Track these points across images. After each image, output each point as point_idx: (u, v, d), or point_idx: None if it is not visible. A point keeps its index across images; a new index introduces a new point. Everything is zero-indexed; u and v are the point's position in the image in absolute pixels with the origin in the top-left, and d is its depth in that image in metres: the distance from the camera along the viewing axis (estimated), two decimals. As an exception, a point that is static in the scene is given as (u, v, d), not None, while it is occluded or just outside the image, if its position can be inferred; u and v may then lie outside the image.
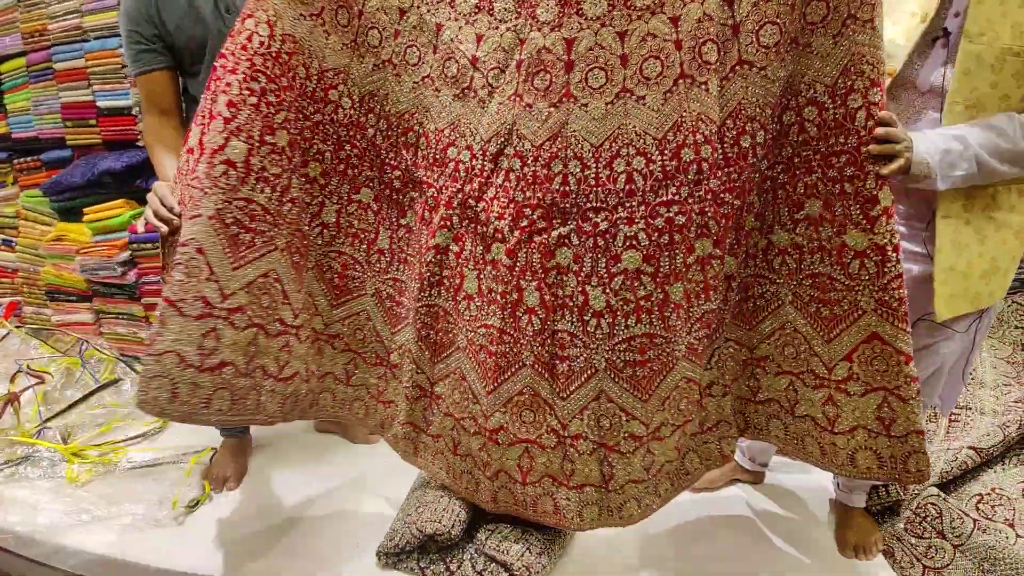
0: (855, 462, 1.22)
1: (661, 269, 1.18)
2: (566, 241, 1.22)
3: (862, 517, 1.58)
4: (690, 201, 1.15)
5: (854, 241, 1.14)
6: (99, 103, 2.51)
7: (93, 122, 2.56)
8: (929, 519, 1.48)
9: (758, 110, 1.11)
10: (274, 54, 1.23)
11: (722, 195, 1.14)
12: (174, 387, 1.13)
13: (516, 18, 1.21)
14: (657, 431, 1.29)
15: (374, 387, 1.50)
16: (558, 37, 1.16)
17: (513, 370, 1.28)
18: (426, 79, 1.30)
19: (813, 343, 1.23)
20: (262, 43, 1.22)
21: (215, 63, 1.25)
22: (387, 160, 1.37)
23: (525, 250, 1.24)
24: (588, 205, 1.20)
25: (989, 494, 1.51)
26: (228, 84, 1.20)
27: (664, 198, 1.15)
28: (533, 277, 1.24)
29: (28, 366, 2.30)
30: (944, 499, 1.48)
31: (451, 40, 1.26)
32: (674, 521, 1.66)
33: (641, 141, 1.15)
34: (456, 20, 1.25)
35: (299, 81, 1.29)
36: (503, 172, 1.25)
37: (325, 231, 1.41)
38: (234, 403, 1.23)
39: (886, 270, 1.12)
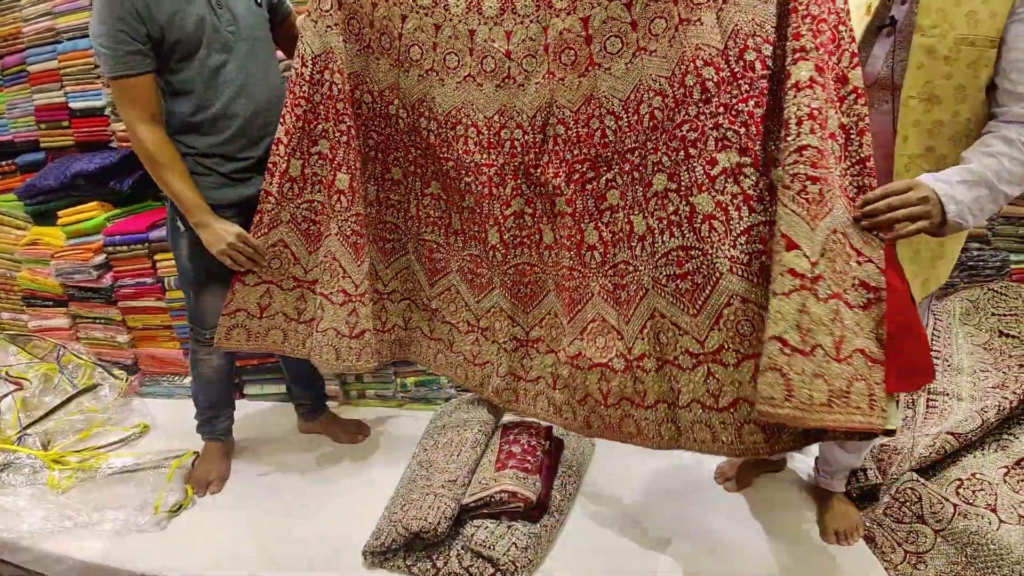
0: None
1: (683, 183, 1.27)
2: (612, 183, 1.41)
3: (842, 502, 1.59)
4: (701, 118, 1.24)
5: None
6: (72, 104, 2.48)
7: (66, 124, 2.53)
8: (909, 504, 1.49)
9: (756, 27, 1.19)
10: (347, 95, 1.60)
11: (736, 106, 1.21)
12: (337, 352, 1.67)
13: (536, 11, 1.41)
14: (717, 354, 1.27)
15: (468, 352, 1.74)
16: (575, 18, 1.37)
17: (584, 301, 1.48)
18: (467, 78, 1.52)
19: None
20: (340, 89, 1.60)
21: (305, 111, 1.60)
22: (440, 154, 1.61)
23: (581, 198, 1.45)
24: (624, 148, 1.37)
25: (969, 479, 1.52)
26: (325, 131, 1.62)
27: (677, 120, 1.27)
28: (590, 219, 1.45)
29: (7, 372, 2.27)
30: (924, 484, 1.49)
31: (484, 41, 1.47)
32: (660, 513, 1.67)
33: (657, 84, 1.30)
34: (485, 23, 1.47)
35: (366, 107, 1.66)
36: (551, 139, 1.46)
37: (412, 223, 1.76)
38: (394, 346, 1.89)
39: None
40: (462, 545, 1.49)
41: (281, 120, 1.60)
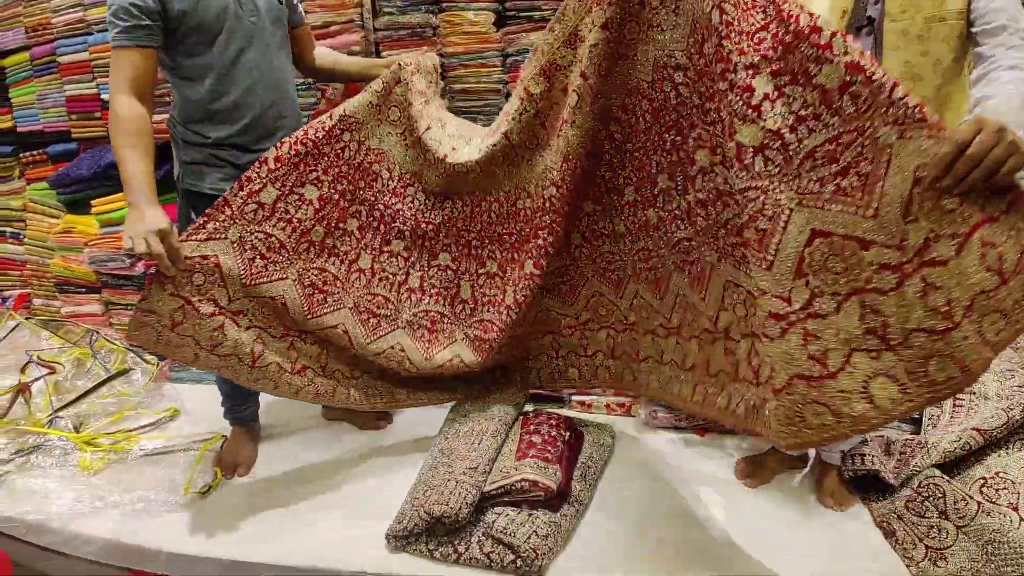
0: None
1: (724, 125, 1.18)
2: (660, 169, 1.45)
3: (831, 479, 1.66)
4: (722, 84, 1.16)
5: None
6: (104, 96, 2.52)
7: (98, 115, 2.58)
8: (932, 499, 1.48)
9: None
10: (354, 165, 1.69)
11: (706, 105, 1.24)
12: (276, 384, 1.72)
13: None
14: (728, 332, 1.30)
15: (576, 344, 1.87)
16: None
17: (668, 278, 1.54)
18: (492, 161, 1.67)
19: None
20: (351, 155, 1.68)
21: (308, 152, 1.61)
22: (462, 226, 1.80)
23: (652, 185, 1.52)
24: (661, 128, 1.41)
25: (993, 477, 1.50)
26: (319, 180, 1.64)
27: (700, 97, 1.27)
28: (648, 205, 1.52)
29: (38, 356, 2.33)
30: (948, 480, 1.49)
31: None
32: (679, 506, 1.68)
33: (673, 59, 1.32)
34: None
35: (381, 181, 1.75)
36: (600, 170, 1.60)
37: (465, 306, 1.85)
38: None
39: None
40: (483, 531, 1.51)
41: (277, 146, 1.59)
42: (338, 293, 1.70)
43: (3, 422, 2.06)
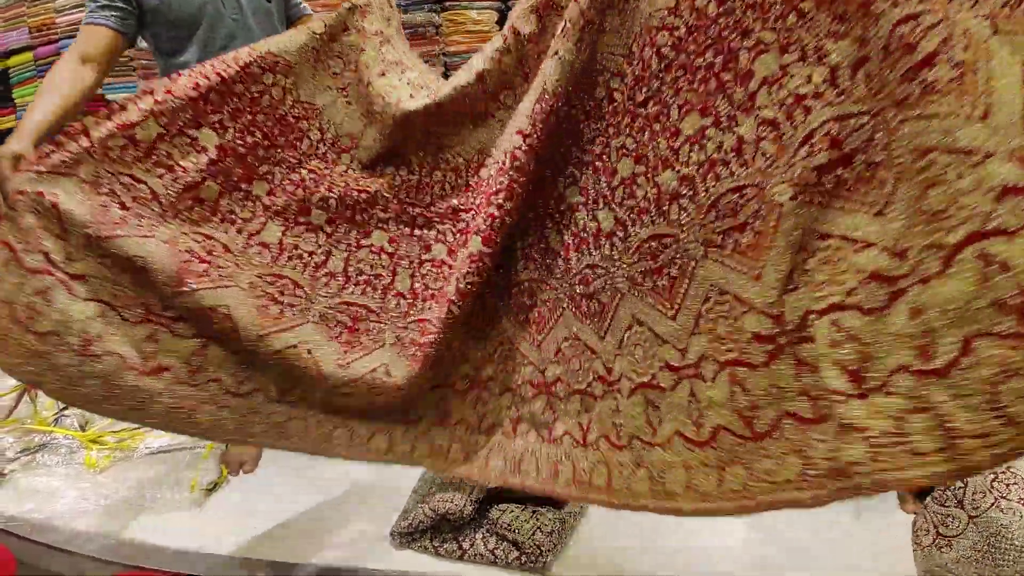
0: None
1: (650, 163, 1.06)
2: (623, 150, 1.13)
3: None
4: (662, 89, 1.05)
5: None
6: (108, 96, 2.53)
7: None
8: (953, 488, 1.47)
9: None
10: (280, 115, 1.30)
11: (695, 62, 1.03)
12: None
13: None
14: (697, 365, 0.98)
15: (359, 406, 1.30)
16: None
17: (558, 316, 1.17)
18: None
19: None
20: (273, 103, 1.29)
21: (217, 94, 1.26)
22: (407, 207, 1.35)
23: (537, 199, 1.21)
24: (635, 104, 1.13)
25: (1004, 473, 1.50)
26: (222, 124, 1.24)
27: (639, 99, 1.09)
28: (551, 222, 1.20)
29: (44, 356, 2.33)
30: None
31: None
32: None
33: (613, 63, 1.13)
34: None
35: (308, 143, 1.34)
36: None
37: (401, 301, 1.35)
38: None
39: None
40: (488, 528, 1.51)
41: (172, 78, 1.24)
42: (227, 268, 1.24)
43: (8, 421, 2.06)
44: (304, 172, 1.32)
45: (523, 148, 1.15)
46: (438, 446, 1.23)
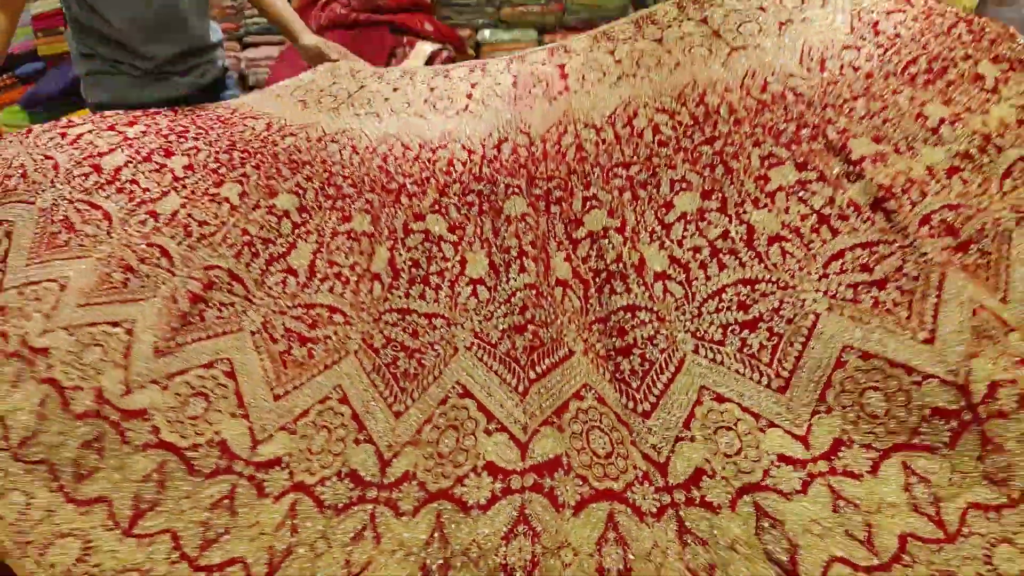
0: None
1: (729, 199, 0.97)
2: (594, 201, 1.04)
3: None
4: (735, 136, 1.02)
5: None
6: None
7: (62, 30, 2.54)
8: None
9: (774, 67, 1.11)
10: (273, 153, 1.24)
11: (777, 126, 1.02)
12: None
13: (509, 64, 1.29)
14: (834, 454, 0.79)
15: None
16: (552, 64, 1.24)
17: (561, 356, 0.91)
18: (415, 115, 1.29)
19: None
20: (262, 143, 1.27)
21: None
22: (339, 173, 1.21)
23: (546, 218, 1.06)
24: (613, 163, 1.07)
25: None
26: (196, 149, 1.21)
27: (703, 138, 1.04)
28: (559, 247, 1.03)
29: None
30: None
31: (447, 88, 1.31)
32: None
33: (659, 100, 1.11)
34: (451, 80, 1.32)
35: (251, 131, 1.29)
36: (509, 150, 1.15)
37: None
38: None
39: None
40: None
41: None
42: (160, 274, 1.04)
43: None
44: (236, 155, 1.24)
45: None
46: None
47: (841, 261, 0.87)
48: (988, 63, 1.01)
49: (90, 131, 1.20)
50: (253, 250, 1.08)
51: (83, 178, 1.12)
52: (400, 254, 1.05)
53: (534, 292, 0.95)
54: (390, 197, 1.13)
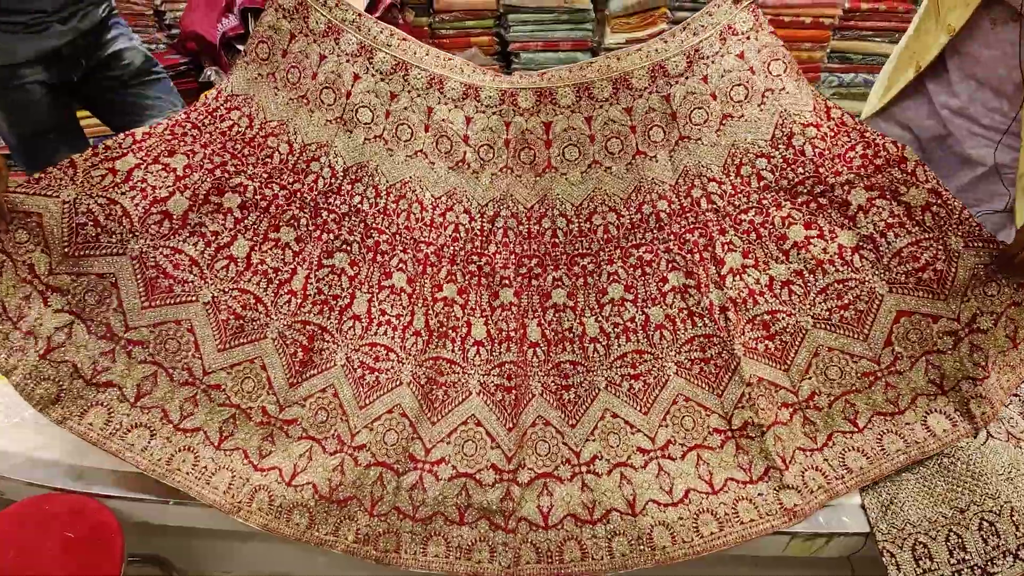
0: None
1: (639, 295, 1.42)
2: (559, 283, 1.45)
3: None
4: (655, 243, 1.41)
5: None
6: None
7: None
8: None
9: (703, 168, 1.38)
10: (249, 138, 1.41)
11: (684, 235, 1.39)
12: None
13: (500, 104, 1.42)
14: (665, 448, 1.36)
15: (323, 482, 1.32)
16: (538, 121, 1.42)
17: (527, 401, 1.40)
18: (419, 153, 1.44)
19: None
20: (239, 132, 1.41)
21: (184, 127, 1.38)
22: (373, 225, 1.43)
23: (527, 293, 1.44)
24: (575, 252, 1.45)
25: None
26: (191, 151, 1.36)
27: (634, 242, 1.42)
28: (534, 315, 1.44)
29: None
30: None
31: (442, 120, 1.42)
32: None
33: (611, 200, 1.43)
34: (445, 104, 1.42)
35: (278, 158, 1.42)
36: (501, 230, 1.45)
37: (356, 324, 1.43)
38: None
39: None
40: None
41: (152, 126, 1.36)
42: (193, 281, 1.35)
43: None
44: (276, 188, 1.41)
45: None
46: (364, 535, 1.31)
47: (690, 346, 1.39)
48: (861, 190, 1.31)
49: (138, 166, 1.32)
50: (329, 306, 1.42)
51: (157, 226, 1.33)
52: (431, 319, 1.41)
53: (515, 365, 1.40)
54: (419, 267, 1.42)
